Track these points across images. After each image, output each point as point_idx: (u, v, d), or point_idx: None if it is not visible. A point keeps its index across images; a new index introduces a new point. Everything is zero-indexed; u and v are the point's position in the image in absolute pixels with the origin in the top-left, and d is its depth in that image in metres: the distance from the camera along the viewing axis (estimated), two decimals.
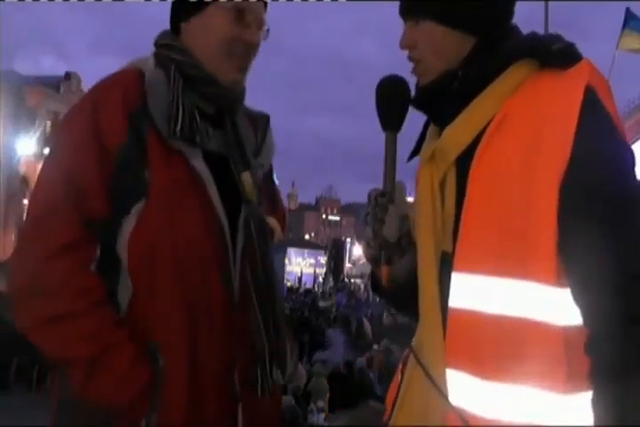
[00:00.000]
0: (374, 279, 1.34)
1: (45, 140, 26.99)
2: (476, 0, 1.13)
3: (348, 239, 53.34)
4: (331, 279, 32.75)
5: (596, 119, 1.01)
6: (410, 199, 1.24)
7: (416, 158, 1.30)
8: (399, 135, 1.25)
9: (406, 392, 1.17)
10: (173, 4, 1.52)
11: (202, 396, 1.35)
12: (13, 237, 25.15)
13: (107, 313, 1.33)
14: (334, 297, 25.87)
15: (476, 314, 1.05)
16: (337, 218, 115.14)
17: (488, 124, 1.08)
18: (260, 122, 1.64)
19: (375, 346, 12.22)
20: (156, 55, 1.50)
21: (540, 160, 1.01)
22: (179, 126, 1.37)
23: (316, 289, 33.53)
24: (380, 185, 1.23)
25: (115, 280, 1.36)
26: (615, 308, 0.97)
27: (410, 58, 1.20)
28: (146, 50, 1.55)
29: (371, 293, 19.41)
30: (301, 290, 30.11)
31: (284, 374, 1.46)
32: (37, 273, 1.32)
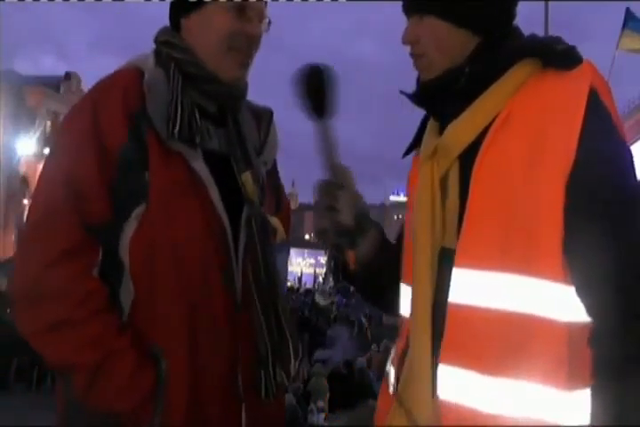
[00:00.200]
0: (342, 267, 1.34)
1: (45, 140, 26.98)
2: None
3: None
4: (331, 279, 32.69)
5: (599, 121, 1.03)
6: (402, 199, 1.25)
7: (413, 158, 1.30)
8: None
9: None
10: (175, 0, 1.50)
11: (205, 398, 1.35)
12: (13, 237, 25.15)
13: (109, 319, 1.32)
14: (334, 297, 25.83)
15: (478, 310, 1.05)
16: None
17: (492, 121, 1.10)
18: (264, 117, 1.62)
19: (374, 346, 12.21)
20: (156, 53, 1.48)
21: (545, 159, 1.02)
22: (177, 128, 1.35)
23: (317, 288, 33.49)
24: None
25: (117, 283, 1.34)
26: (617, 305, 0.99)
27: (412, 53, 1.20)
28: (146, 50, 1.53)
29: None
30: (301, 290, 30.07)
31: (289, 376, 1.45)
32: (38, 279, 1.30)
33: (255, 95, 1.67)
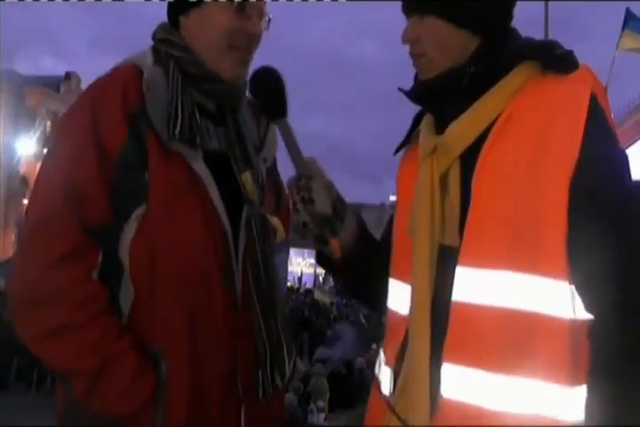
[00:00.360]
0: (326, 259, 1.35)
1: (45, 140, 26.98)
2: (482, 0, 1.15)
3: None
4: (331, 279, 32.74)
5: (599, 124, 1.06)
6: (392, 198, 1.27)
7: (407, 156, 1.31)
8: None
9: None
10: None
11: (205, 398, 1.35)
12: (13, 237, 25.15)
13: (108, 323, 1.30)
14: (334, 297, 25.82)
15: (483, 308, 1.06)
16: None
17: (493, 121, 1.11)
18: None
19: (374, 346, 12.22)
20: (155, 51, 1.46)
21: (550, 159, 1.04)
22: (178, 128, 1.34)
23: (316, 287, 33.48)
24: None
25: (117, 284, 1.33)
26: (616, 302, 1.02)
27: (411, 53, 1.21)
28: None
29: None
30: (301, 290, 30.07)
31: (283, 378, 1.45)
32: (37, 283, 1.29)
33: None
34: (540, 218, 1.04)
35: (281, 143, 1.38)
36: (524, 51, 1.14)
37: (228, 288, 1.38)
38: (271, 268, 1.45)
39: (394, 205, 1.36)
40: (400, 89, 1.24)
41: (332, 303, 23.75)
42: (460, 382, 1.07)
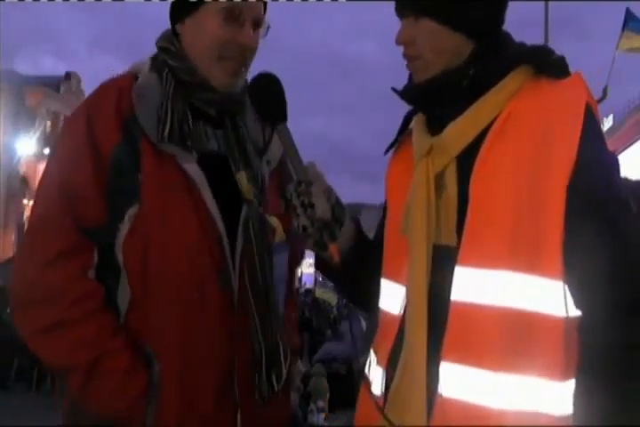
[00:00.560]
0: (325, 264, 1.35)
1: (45, 140, 27.00)
2: (476, 1, 1.16)
3: None
4: None
5: (593, 129, 1.09)
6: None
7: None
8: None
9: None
10: (171, 5, 1.50)
11: (199, 398, 1.35)
12: (13, 237, 25.16)
13: (103, 320, 1.33)
14: (334, 296, 25.79)
15: (483, 308, 1.07)
16: None
17: (491, 123, 1.12)
18: None
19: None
20: (153, 58, 1.49)
21: (549, 161, 1.05)
22: (166, 131, 1.37)
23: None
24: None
25: (115, 284, 1.36)
26: (613, 300, 1.04)
27: (405, 55, 1.21)
28: (145, 50, 1.54)
29: None
30: (301, 290, 30.06)
31: (279, 380, 1.45)
32: (35, 281, 1.34)
33: None
34: (539, 218, 1.05)
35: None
36: (521, 55, 1.16)
37: (225, 289, 1.39)
38: (268, 268, 1.45)
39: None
40: (394, 90, 1.25)
41: (337, 303, 23.72)
42: (461, 381, 1.08)
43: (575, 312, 1.07)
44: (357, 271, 1.34)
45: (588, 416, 1.03)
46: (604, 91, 10.26)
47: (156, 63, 1.47)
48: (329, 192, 1.28)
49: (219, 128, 1.49)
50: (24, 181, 26.64)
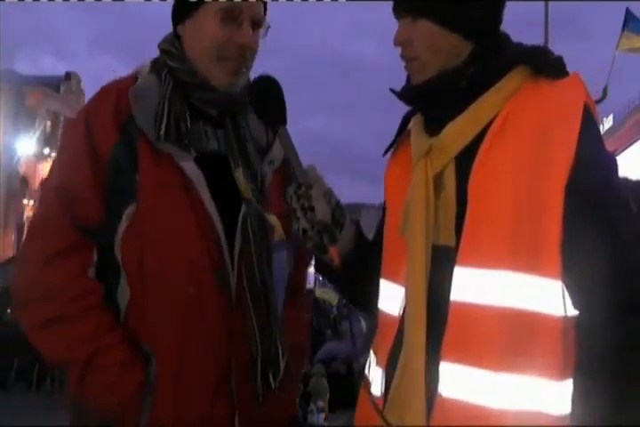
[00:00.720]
0: (325, 267, 1.35)
1: (45, 140, 27.01)
2: (473, 1, 1.16)
3: None
4: None
5: (592, 130, 1.09)
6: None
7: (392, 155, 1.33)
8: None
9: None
10: (173, 7, 1.50)
11: (196, 397, 1.35)
12: (13, 237, 25.17)
13: (101, 317, 1.35)
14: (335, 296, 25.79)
15: (483, 308, 1.07)
16: None
17: (489, 123, 1.12)
18: None
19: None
20: (155, 60, 1.51)
21: (548, 161, 1.06)
22: (163, 130, 1.38)
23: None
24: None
25: (114, 283, 1.38)
26: (612, 299, 1.04)
27: (403, 55, 1.21)
28: (145, 50, 1.55)
29: None
30: None
31: (275, 379, 1.45)
32: (35, 279, 1.37)
33: None
34: (538, 218, 1.05)
35: None
36: (518, 55, 1.17)
37: (222, 288, 1.39)
38: (266, 268, 1.45)
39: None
40: (392, 90, 1.25)
41: (330, 304, 23.72)
42: (460, 381, 1.08)
43: (573, 312, 1.08)
44: (357, 273, 1.34)
45: (585, 417, 1.03)
46: (604, 91, 10.26)
47: (157, 65, 1.49)
48: (329, 195, 1.28)
49: (220, 128, 1.50)
50: (24, 181, 26.66)
